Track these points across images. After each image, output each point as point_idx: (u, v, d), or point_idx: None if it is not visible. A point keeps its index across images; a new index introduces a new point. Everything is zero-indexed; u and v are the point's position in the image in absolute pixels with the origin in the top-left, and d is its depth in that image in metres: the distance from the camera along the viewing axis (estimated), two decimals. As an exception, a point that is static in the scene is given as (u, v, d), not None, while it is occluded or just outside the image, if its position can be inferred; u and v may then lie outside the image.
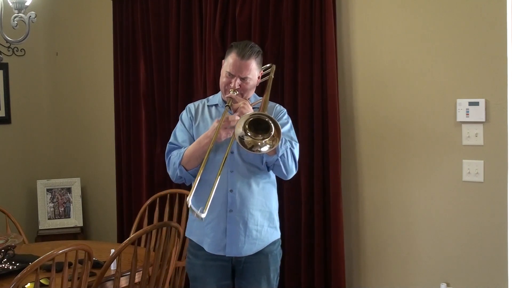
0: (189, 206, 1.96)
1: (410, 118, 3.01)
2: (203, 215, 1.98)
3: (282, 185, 3.22)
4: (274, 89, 3.26)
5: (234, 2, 3.38)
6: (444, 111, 2.91)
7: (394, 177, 3.08)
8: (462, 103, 2.85)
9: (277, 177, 2.40)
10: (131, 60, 3.91)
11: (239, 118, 2.08)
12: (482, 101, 2.80)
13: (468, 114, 2.83)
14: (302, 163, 3.15)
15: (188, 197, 1.98)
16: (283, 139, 2.16)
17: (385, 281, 3.15)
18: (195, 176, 2.18)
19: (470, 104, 2.82)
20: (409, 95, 3.01)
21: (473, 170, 2.85)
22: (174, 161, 2.27)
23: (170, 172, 2.31)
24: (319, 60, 3.12)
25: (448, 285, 2.95)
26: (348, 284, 3.18)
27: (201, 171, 2.09)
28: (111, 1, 4.00)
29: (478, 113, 2.80)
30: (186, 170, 2.23)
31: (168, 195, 3.43)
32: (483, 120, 2.80)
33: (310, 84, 3.16)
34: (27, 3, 2.44)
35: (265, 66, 2.46)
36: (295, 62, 3.21)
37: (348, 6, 3.16)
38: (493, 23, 2.77)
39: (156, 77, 3.80)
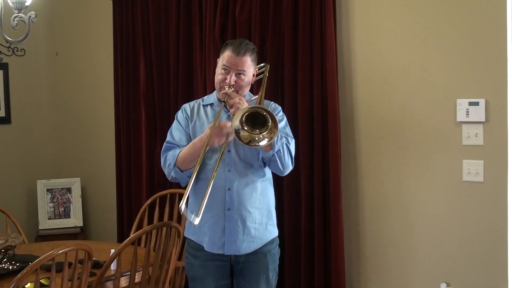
0: (181, 213, 1.95)
1: (410, 118, 3.01)
2: (196, 221, 1.97)
3: (282, 185, 3.23)
4: (274, 89, 3.28)
5: (234, 2, 3.37)
6: (444, 111, 2.91)
7: (394, 177, 3.08)
8: (462, 103, 2.84)
9: (274, 176, 2.40)
10: (131, 60, 3.91)
11: (231, 124, 2.06)
12: (482, 101, 2.80)
13: (468, 114, 2.83)
14: (302, 163, 3.16)
15: (181, 203, 1.95)
16: (279, 135, 2.16)
17: (385, 281, 3.15)
18: (190, 177, 2.17)
19: (470, 104, 2.82)
20: (409, 95, 3.01)
21: (473, 170, 2.85)
22: (169, 162, 2.27)
23: (165, 171, 2.31)
24: (319, 60, 3.12)
25: (448, 285, 2.95)
26: (348, 284, 3.18)
27: (195, 173, 2.08)
28: (111, 1, 4.00)
29: (478, 113, 2.80)
30: (181, 171, 2.24)
31: (168, 195, 3.44)
32: (483, 120, 2.80)
33: (310, 84, 3.16)
34: (27, 3, 2.44)
35: (259, 65, 2.46)
36: (295, 62, 3.21)
37: (348, 6, 3.16)
38: (493, 23, 2.76)
39: (156, 77, 3.80)
